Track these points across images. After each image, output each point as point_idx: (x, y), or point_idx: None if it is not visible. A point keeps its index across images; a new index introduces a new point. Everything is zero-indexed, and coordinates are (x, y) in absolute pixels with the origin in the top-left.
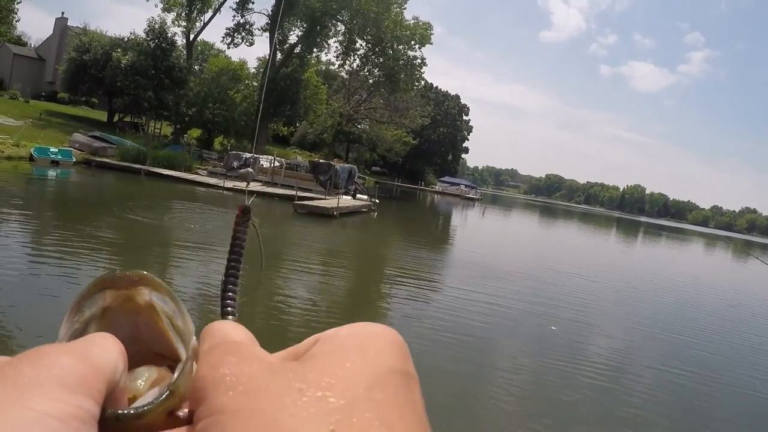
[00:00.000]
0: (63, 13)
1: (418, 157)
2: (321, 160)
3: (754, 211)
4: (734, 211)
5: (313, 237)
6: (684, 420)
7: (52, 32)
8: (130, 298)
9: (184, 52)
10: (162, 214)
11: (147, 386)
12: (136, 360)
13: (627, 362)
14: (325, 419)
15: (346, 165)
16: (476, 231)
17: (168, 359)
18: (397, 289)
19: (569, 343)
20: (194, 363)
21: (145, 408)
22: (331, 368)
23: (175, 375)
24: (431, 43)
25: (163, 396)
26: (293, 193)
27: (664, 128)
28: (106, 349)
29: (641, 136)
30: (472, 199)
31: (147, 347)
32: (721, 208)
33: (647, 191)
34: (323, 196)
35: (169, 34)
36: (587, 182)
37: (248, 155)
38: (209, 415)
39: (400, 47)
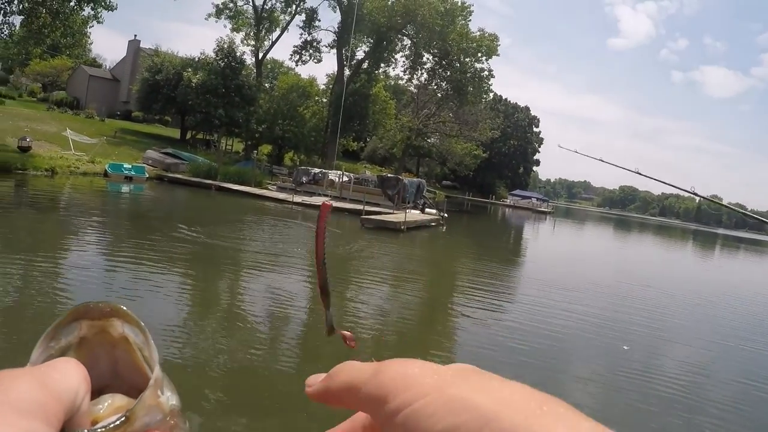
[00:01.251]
0: (135, 35)
1: (488, 170)
2: (389, 175)
3: None
4: None
5: (379, 250)
6: None
7: (125, 54)
8: (105, 329)
9: (254, 71)
10: (230, 228)
11: (108, 412)
12: (114, 391)
13: (703, 381)
14: (534, 403)
15: (415, 179)
16: (546, 244)
17: (140, 390)
18: (463, 302)
19: (641, 362)
20: (157, 392)
21: (98, 430)
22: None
23: (136, 402)
24: (498, 55)
25: (118, 421)
26: (361, 207)
27: (740, 135)
28: (66, 375)
29: (717, 144)
30: (544, 213)
31: (125, 380)
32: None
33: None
34: (391, 211)
35: (238, 53)
36: (662, 193)
37: (317, 170)
38: (410, 404)
39: (467, 59)
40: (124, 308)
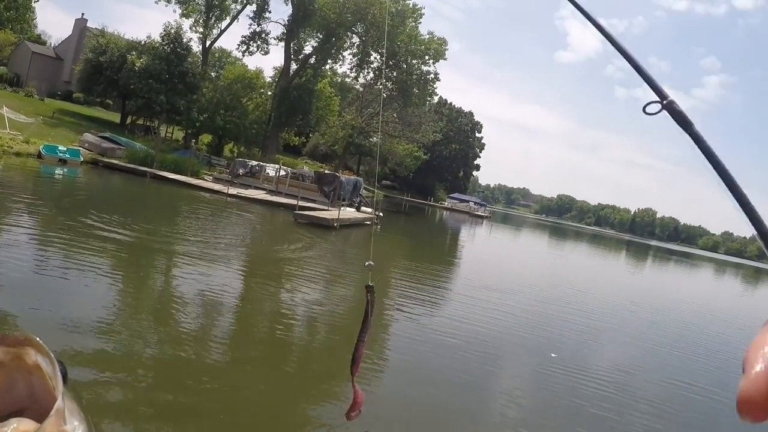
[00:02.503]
0: (83, 14)
1: (429, 172)
2: (326, 171)
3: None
4: (745, 237)
5: (309, 246)
6: None
7: (71, 32)
8: (20, 356)
9: (200, 58)
10: (158, 218)
11: None
12: (31, 415)
13: (630, 385)
14: None
15: (352, 177)
16: (479, 248)
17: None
18: (393, 301)
19: (568, 369)
20: (59, 421)
21: None
22: None
23: (39, 426)
24: (445, 59)
25: None
26: (296, 202)
27: (677, 152)
28: None
29: (654, 160)
30: (481, 217)
31: (42, 405)
32: (731, 234)
33: (658, 215)
34: (326, 207)
35: (185, 40)
36: (598, 204)
37: (254, 163)
38: None
39: (414, 61)
40: (37, 339)
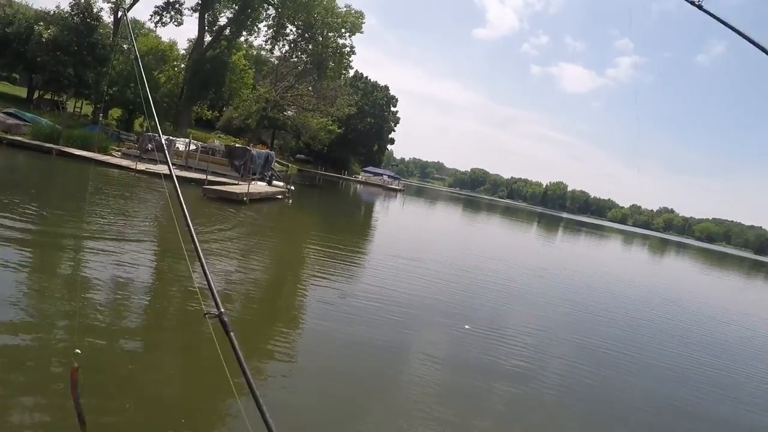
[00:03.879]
0: None
1: (343, 146)
2: (237, 145)
3: (672, 211)
4: (652, 210)
5: (218, 222)
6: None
7: None
8: None
9: (111, 29)
10: (57, 196)
11: None
12: None
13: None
14: None
15: (263, 151)
16: (392, 221)
17: None
18: (300, 274)
19: (481, 339)
20: None
21: None
22: None
23: None
24: (362, 32)
25: None
26: (206, 177)
27: (588, 129)
28: None
29: (566, 136)
30: (395, 190)
31: None
32: (639, 207)
33: (569, 188)
34: (237, 182)
35: (95, 9)
36: (511, 177)
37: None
38: None
39: (330, 34)
40: None
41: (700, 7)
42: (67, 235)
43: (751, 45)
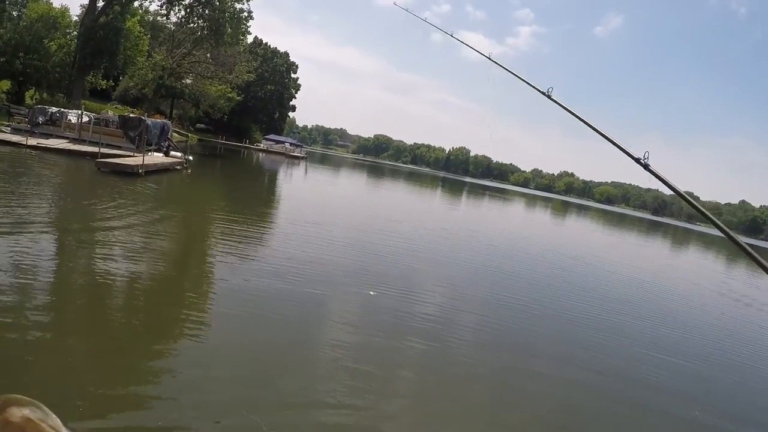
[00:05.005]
0: None
1: (244, 114)
2: (131, 115)
3: (572, 175)
4: (553, 174)
5: (112, 196)
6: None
7: None
8: (8, 420)
9: None
10: None
11: None
12: None
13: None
14: None
15: (159, 120)
16: (294, 189)
17: None
18: (197, 251)
19: (389, 305)
20: None
21: None
22: None
23: None
24: None
25: None
26: (103, 151)
27: (489, 95)
28: None
29: (466, 102)
30: (297, 158)
31: None
32: (541, 171)
33: (472, 153)
34: (132, 153)
35: None
36: (414, 143)
37: (54, 110)
38: None
39: None
40: (14, 395)
41: None
42: None
43: (649, 20)
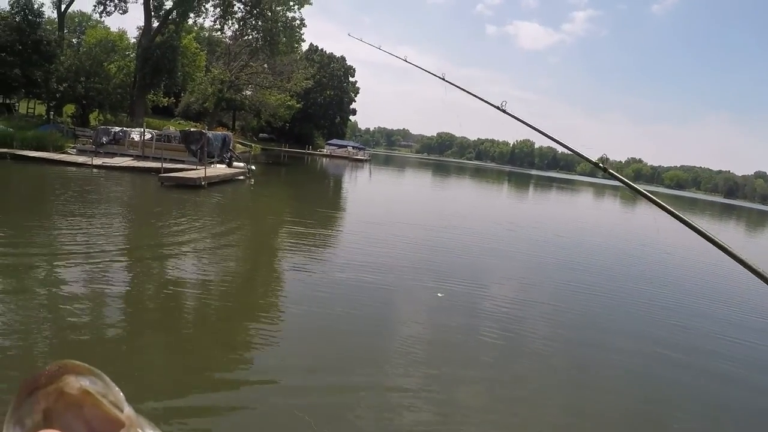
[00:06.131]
0: None
1: (305, 121)
2: (192, 129)
3: (640, 161)
4: (621, 161)
5: (176, 209)
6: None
7: None
8: (63, 391)
9: (56, 24)
10: (13, 207)
11: None
12: None
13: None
14: None
15: (219, 133)
16: (359, 192)
17: None
18: (264, 260)
19: (457, 306)
20: (134, 428)
21: None
22: None
23: None
24: (311, 4)
25: None
26: (166, 165)
27: (549, 85)
28: None
29: (527, 93)
30: (361, 160)
31: None
32: (608, 158)
33: (536, 145)
34: (195, 167)
35: (36, 6)
36: (477, 139)
37: (117, 129)
38: None
39: (279, 8)
40: (72, 361)
41: None
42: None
43: None
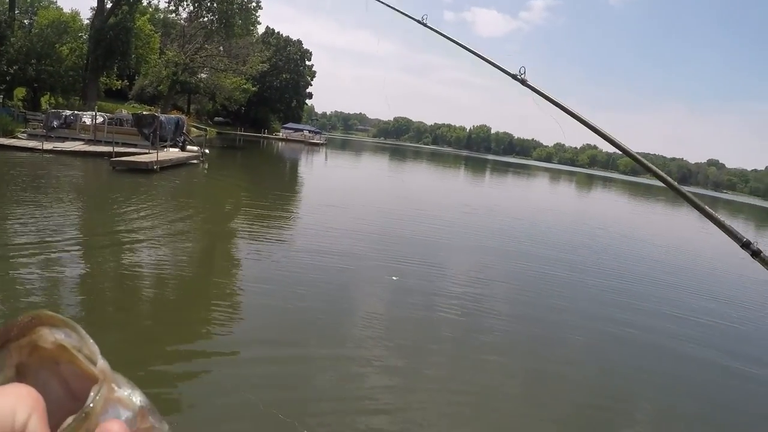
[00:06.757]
0: None
1: (261, 104)
2: (144, 113)
3: (595, 147)
4: (576, 147)
5: (128, 194)
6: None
7: None
8: (36, 344)
9: (8, 5)
10: None
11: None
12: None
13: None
14: None
15: (173, 116)
16: (313, 176)
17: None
18: (219, 245)
19: (413, 289)
20: (111, 385)
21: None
22: None
23: (90, 396)
24: None
25: (78, 418)
26: (117, 150)
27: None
28: (0, 400)
29: (485, 80)
30: (317, 144)
31: (82, 398)
32: (563, 145)
33: (493, 131)
34: (148, 151)
35: None
36: (434, 123)
37: (68, 113)
38: None
39: None
40: (45, 311)
41: None
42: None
43: None
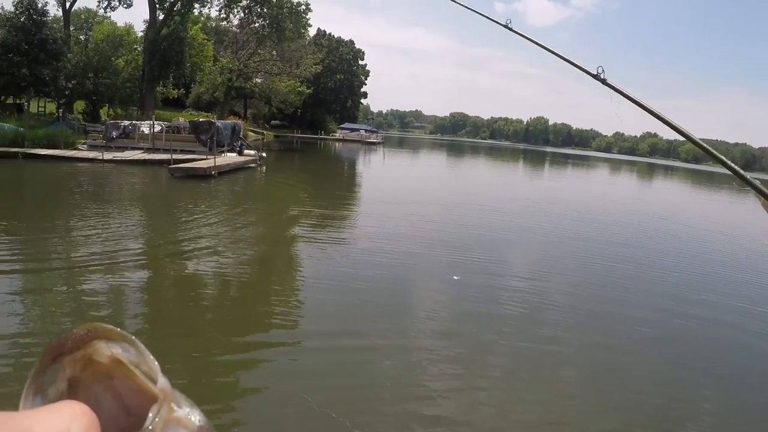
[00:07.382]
0: None
1: (316, 106)
2: (201, 120)
3: (655, 135)
4: (636, 136)
5: (187, 199)
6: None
7: None
8: (90, 358)
9: (63, 22)
10: (24, 208)
11: None
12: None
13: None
14: None
15: (229, 121)
16: (371, 175)
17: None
18: (274, 249)
19: (475, 286)
20: (171, 405)
21: None
22: None
23: (150, 417)
24: None
25: None
26: (176, 156)
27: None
28: (54, 419)
29: (540, 70)
30: (374, 143)
31: (137, 413)
32: (623, 134)
33: (550, 122)
34: (205, 156)
35: (40, 4)
36: (491, 117)
37: (126, 123)
38: None
39: None
40: (102, 324)
41: None
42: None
43: None
